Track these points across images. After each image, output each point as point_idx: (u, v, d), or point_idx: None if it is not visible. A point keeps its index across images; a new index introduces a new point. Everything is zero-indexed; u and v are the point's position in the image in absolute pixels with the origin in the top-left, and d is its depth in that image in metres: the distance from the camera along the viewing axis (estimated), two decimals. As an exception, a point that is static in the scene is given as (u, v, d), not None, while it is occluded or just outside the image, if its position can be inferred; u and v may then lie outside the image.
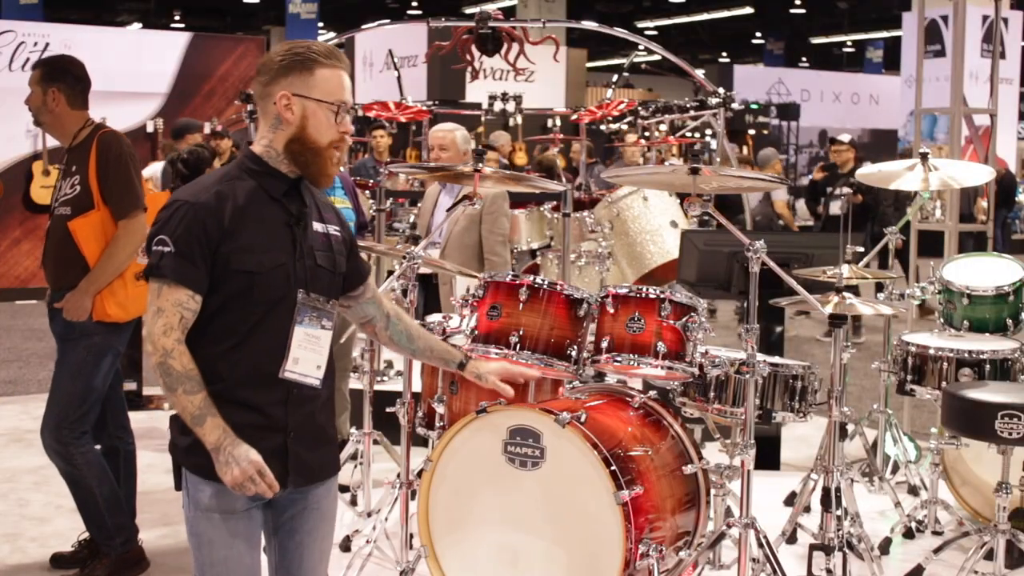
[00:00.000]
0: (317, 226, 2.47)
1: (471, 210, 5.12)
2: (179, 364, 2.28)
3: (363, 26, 9.27)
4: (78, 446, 3.96)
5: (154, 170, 7.99)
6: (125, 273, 3.96)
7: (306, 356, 2.40)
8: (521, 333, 3.41)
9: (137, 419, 4.68)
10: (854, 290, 4.56)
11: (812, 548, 3.81)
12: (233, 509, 2.38)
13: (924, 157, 4.71)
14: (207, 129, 9.74)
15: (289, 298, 2.38)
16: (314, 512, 2.52)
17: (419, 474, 3.45)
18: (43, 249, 4.07)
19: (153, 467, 5.31)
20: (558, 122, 15.10)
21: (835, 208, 9.27)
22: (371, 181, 7.33)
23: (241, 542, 2.41)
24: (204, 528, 2.40)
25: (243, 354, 2.34)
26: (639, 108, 8.67)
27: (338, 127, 2.41)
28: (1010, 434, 3.47)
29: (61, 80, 4.01)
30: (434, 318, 4.14)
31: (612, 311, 3.45)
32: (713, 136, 9.48)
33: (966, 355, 4.16)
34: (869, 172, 5.09)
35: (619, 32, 7.81)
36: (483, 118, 7.83)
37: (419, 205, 5.52)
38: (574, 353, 3.46)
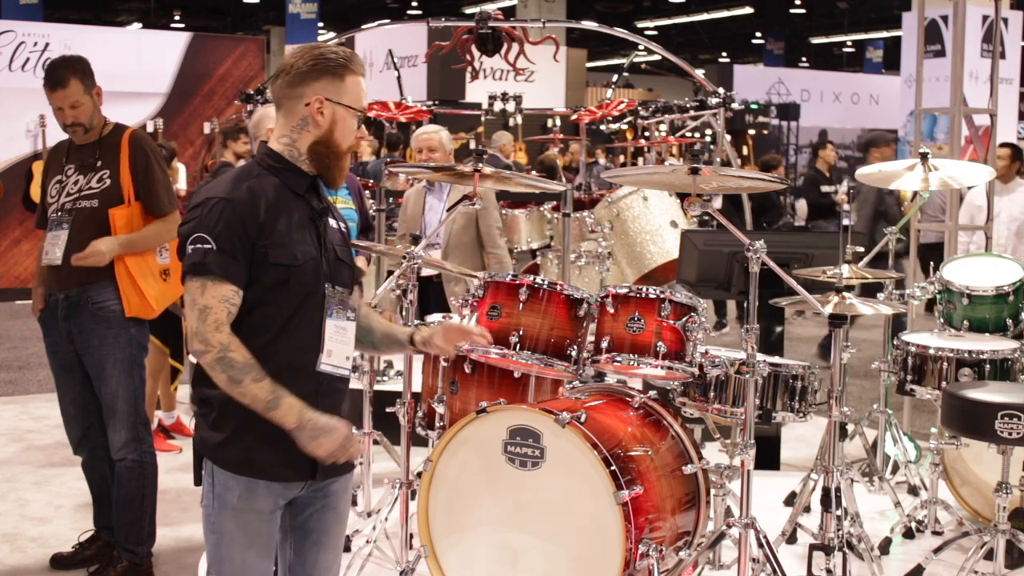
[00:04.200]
0: (332, 222, 2.53)
1: (468, 208, 5.14)
2: (240, 355, 2.29)
3: (363, 26, 9.25)
4: (150, 442, 4.01)
5: None
6: (155, 268, 4.00)
7: (338, 348, 2.45)
8: (521, 333, 3.41)
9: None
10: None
11: (812, 548, 3.81)
12: (260, 510, 2.40)
13: (924, 157, 4.71)
14: (206, 129, 9.74)
15: (318, 292, 2.43)
16: (331, 512, 2.55)
17: (419, 474, 3.45)
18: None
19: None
20: (558, 122, 15.11)
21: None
22: (371, 181, 7.33)
23: (262, 544, 2.42)
24: (228, 527, 2.40)
25: (277, 348, 2.37)
26: (639, 108, 8.66)
27: (356, 133, 2.49)
28: (1010, 434, 3.47)
29: (94, 80, 4.00)
30: (434, 318, 4.14)
31: (612, 311, 3.45)
32: (713, 141, 9.48)
33: (966, 355, 4.16)
34: (869, 172, 5.09)
35: (619, 32, 7.81)
36: (483, 118, 7.84)
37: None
38: (574, 353, 3.46)
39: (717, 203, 9.17)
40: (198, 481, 2.50)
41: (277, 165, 2.44)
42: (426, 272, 5.14)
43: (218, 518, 2.41)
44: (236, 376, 2.28)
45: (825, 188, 10.32)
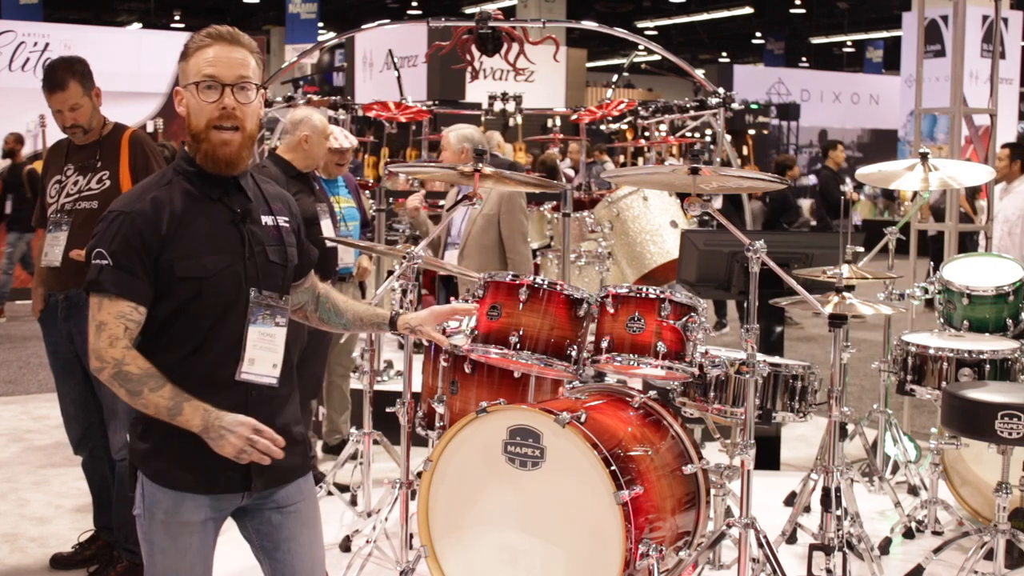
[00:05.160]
0: (266, 219, 2.41)
1: (488, 210, 5.16)
2: (135, 367, 2.22)
3: (363, 26, 9.25)
4: None
5: None
6: None
7: (262, 356, 2.34)
8: (521, 333, 3.41)
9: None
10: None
11: (812, 548, 3.80)
12: (189, 520, 2.33)
13: (924, 157, 4.71)
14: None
15: (242, 299, 2.32)
16: (291, 517, 2.45)
17: (419, 474, 3.45)
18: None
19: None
20: (558, 122, 15.12)
21: None
22: (370, 181, 7.34)
23: (194, 553, 2.35)
24: (158, 537, 2.34)
25: (199, 360, 2.28)
26: (639, 108, 8.66)
27: (215, 104, 2.28)
28: (1010, 434, 3.47)
29: (93, 81, 3.99)
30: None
31: (612, 311, 3.44)
32: (714, 141, 9.49)
33: (966, 355, 4.16)
34: (869, 172, 5.09)
35: (619, 32, 7.80)
36: (483, 118, 7.84)
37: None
38: (574, 353, 3.46)
39: (717, 203, 9.18)
40: (132, 488, 2.45)
41: (191, 169, 2.34)
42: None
43: (149, 528, 2.35)
44: (134, 388, 2.22)
45: (842, 187, 10.35)
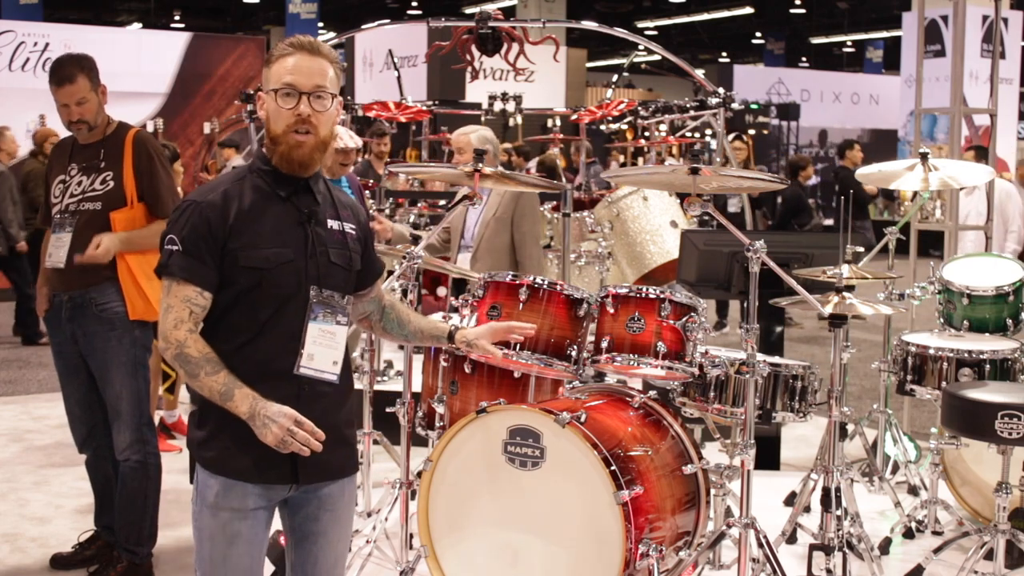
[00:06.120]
0: (332, 223, 2.50)
1: (500, 213, 5.15)
2: (194, 350, 2.32)
3: (363, 26, 9.26)
4: (154, 443, 4.02)
5: None
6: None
7: (321, 352, 2.43)
8: (521, 333, 3.40)
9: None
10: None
11: (812, 548, 3.81)
12: (239, 508, 2.40)
13: (924, 157, 4.71)
14: (206, 129, 9.75)
15: (301, 295, 2.41)
16: (328, 514, 2.53)
17: (419, 474, 3.46)
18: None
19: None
20: (558, 122, 15.13)
21: None
22: (371, 181, 7.34)
23: (243, 542, 2.42)
24: (208, 524, 2.42)
25: (254, 350, 2.37)
26: (639, 108, 8.67)
27: (291, 111, 2.40)
28: (1010, 434, 3.47)
29: (99, 78, 3.98)
30: (435, 317, 4.14)
31: (612, 311, 3.45)
32: (713, 136, 9.49)
33: (966, 355, 4.16)
34: (869, 172, 5.09)
35: (619, 32, 7.81)
36: (483, 118, 7.85)
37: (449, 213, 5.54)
38: (574, 353, 3.46)
39: (732, 206, 9.17)
40: (192, 479, 2.50)
41: (265, 168, 2.45)
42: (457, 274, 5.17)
43: (200, 515, 2.44)
44: (192, 371, 2.32)
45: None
